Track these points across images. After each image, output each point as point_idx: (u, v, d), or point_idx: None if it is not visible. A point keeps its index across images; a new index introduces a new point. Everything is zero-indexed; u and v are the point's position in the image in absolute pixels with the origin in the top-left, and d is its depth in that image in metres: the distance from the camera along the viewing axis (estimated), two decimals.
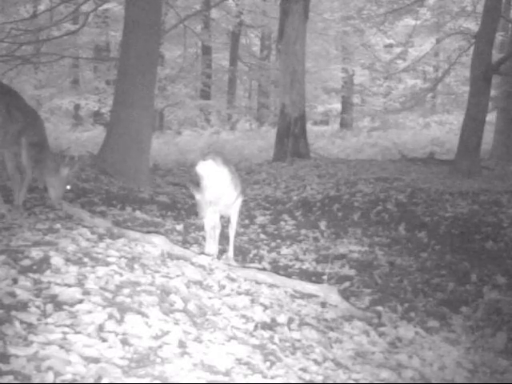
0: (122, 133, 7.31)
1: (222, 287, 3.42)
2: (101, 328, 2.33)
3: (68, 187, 4.86)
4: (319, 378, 2.45)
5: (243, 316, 2.99)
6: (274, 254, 5.09)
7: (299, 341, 2.89)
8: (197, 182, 4.30)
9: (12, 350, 1.99)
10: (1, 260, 2.86)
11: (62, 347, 2.08)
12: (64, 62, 18.08)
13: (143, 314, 2.57)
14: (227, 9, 19.27)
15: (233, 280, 3.65)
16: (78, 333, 2.24)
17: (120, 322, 2.43)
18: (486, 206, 6.65)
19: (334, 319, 3.43)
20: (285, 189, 8.10)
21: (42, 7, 16.45)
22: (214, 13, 20.09)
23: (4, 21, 12.85)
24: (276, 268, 4.64)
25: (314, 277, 4.54)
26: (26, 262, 2.93)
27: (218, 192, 4.17)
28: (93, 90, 18.66)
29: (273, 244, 5.43)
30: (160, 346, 2.30)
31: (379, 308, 3.90)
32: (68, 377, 1.91)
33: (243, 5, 19.05)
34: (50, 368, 1.93)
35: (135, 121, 7.39)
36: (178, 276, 3.30)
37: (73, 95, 18.32)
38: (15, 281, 2.64)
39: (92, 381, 1.92)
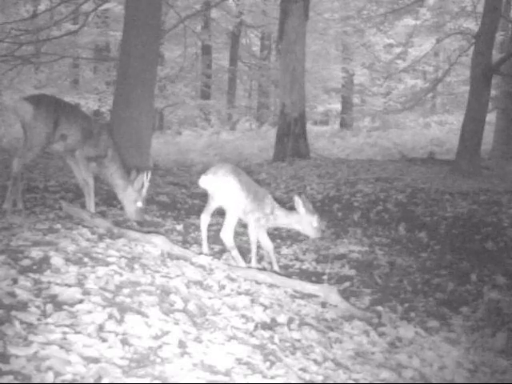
0: (122, 133, 7.30)
1: (222, 287, 3.42)
2: (101, 328, 2.33)
3: (139, 204, 4.91)
4: (319, 378, 2.45)
5: (243, 316, 2.99)
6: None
7: (299, 341, 2.89)
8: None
9: (12, 350, 1.98)
10: (1, 260, 2.86)
11: (62, 347, 2.08)
12: (64, 62, 18.07)
13: (143, 314, 2.56)
14: (227, 9, 19.26)
15: (233, 280, 3.65)
16: (78, 333, 2.23)
17: (120, 321, 2.43)
18: (486, 206, 6.65)
19: (334, 319, 3.43)
20: (285, 189, 8.10)
21: (42, 7, 16.43)
22: (214, 13, 20.09)
23: (4, 21, 12.85)
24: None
25: (313, 277, 4.54)
26: (26, 262, 2.93)
27: (224, 201, 4.28)
28: (93, 90, 18.65)
29: (273, 244, 5.42)
30: (160, 346, 2.30)
31: (379, 308, 3.91)
32: (68, 377, 1.90)
33: (243, 5, 19.05)
34: (49, 368, 1.93)
35: (135, 121, 7.39)
36: (178, 276, 3.30)
37: (73, 95, 18.31)
38: (15, 281, 2.63)
39: (92, 381, 1.92)
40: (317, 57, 21.83)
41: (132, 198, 4.89)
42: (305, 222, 4.40)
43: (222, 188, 4.21)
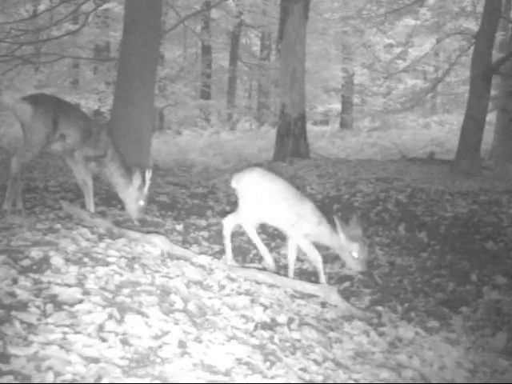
0: (122, 132, 7.31)
1: (222, 287, 3.42)
2: (101, 328, 2.33)
3: (141, 202, 4.90)
4: (319, 378, 2.45)
5: (243, 316, 2.99)
6: (273, 254, 5.09)
7: (299, 341, 2.89)
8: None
9: (12, 350, 1.98)
10: (1, 260, 2.86)
11: (62, 347, 2.08)
12: (64, 62, 18.08)
13: (143, 314, 2.56)
14: (227, 9, 19.26)
15: (233, 280, 3.65)
16: (78, 333, 2.24)
17: (120, 321, 2.43)
18: (486, 206, 6.64)
19: (334, 319, 3.44)
20: None
21: (42, 7, 16.42)
22: (214, 13, 20.09)
23: (4, 21, 12.85)
24: (276, 268, 4.63)
25: (313, 277, 4.53)
26: (26, 262, 2.93)
27: (249, 205, 4.17)
28: (93, 90, 18.65)
29: (273, 244, 5.42)
30: (160, 346, 2.30)
31: (379, 308, 3.91)
32: (68, 377, 1.90)
33: (243, 5, 19.04)
34: (50, 368, 1.93)
35: (135, 120, 7.40)
36: (177, 276, 3.31)
37: (73, 95, 18.33)
38: (15, 281, 2.64)
39: (92, 381, 1.92)
40: (317, 57, 21.82)
41: (133, 196, 4.88)
42: (344, 249, 3.89)
43: (242, 189, 4.19)
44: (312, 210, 4.04)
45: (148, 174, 4.90)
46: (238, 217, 4.26)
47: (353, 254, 3.84)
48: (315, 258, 4.08)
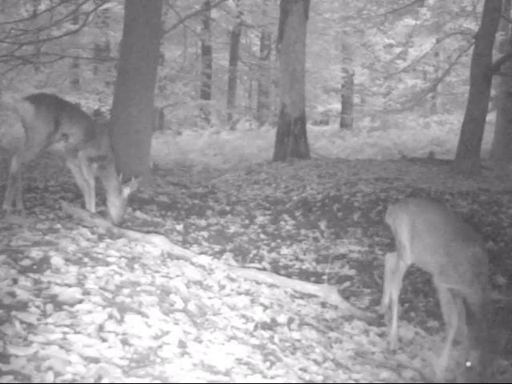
0: (122, 133, 7.30)
1: (222, 287, 3.42)
2: (101, 328, 2.33)
3: (126, 208, 4.94)
4: (319, 378, 2.45)
5: (243, 316, 2.99)
6: (274, 254, 5.09)
7: (299, 341, 2.90)
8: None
9: (12, 350, 1.98)
10: (1, 260, 2.86)
11: (62, 347, 2.08)
12: (64, 62, 18.05)
13: (143, 314, 2.57)
14: (227, 9, 19.24)
15: (233, 280, 3.65)
16: (78, 333, 2.24)
17: (120, 321, 2.43)
18: (486, 206, 6.64)
19: (334, 319, 3.44)
20: (285, 189, 8.09)
21: (42, 7, 16.41)
22: (214, 13, 20.07)
23: (4, 21, 12.84)
24: (276, 268, 4.64)
25: (313, 277, 4.54)
26: (26, 262, 2.93)
27: (401, 240, 3.51)
28: (93, 90, 18.64)
29: (273, 244, 5.43)
30: (160, 346, 2.30)
31: (379, 308, 3.91)
32: (68, 377, 1.90)
33: (243, 5, 19.04)
34: (50, 368, 1.93)
35: (135, 121, 7.38)
36: (177, 276, 3.31)
37: (73, 94, 18.31)
38: (15, 281, 2.64)
39: (92, 381, 1.92)
40: (317, 57, 21.80)
41: (125, 201, 4.84)
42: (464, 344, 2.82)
43: (394, 224, 3.63)
44: (472, 259, 2.96)
45: (135, 184, 4.88)
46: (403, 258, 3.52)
47: (467, 362, 2.75)
48: (450, 324, 3.03)
